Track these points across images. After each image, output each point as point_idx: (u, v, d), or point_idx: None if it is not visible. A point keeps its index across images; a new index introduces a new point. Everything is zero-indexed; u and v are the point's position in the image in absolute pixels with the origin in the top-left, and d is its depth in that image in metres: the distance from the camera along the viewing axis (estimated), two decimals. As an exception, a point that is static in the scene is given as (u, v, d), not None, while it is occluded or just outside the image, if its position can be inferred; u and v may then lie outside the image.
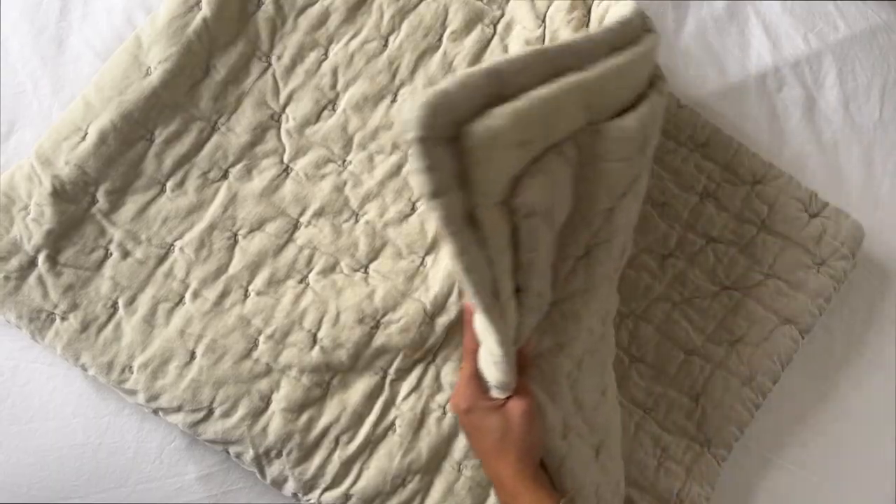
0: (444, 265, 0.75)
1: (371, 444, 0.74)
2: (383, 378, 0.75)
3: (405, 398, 0.75)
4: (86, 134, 0.72)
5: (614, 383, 0.75)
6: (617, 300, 0.74)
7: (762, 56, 0.92)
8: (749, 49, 0.93)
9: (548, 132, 0.54)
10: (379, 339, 0.74)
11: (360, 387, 0.74)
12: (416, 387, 0.75)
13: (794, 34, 0.94)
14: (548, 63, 0.52)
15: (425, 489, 0.74)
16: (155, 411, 0.72)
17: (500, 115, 0.49)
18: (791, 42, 0.93)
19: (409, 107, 0.43)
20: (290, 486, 0.73)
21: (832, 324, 0.91)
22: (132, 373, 0.72)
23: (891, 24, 0.97)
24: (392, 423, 0.75)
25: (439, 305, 0.74)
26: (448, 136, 0.45)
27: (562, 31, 0.75)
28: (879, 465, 0.91)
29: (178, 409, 0.72)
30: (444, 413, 0.75)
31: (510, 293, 0.55)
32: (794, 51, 0.93)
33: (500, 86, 0.49)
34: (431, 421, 0.75)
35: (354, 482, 0.73)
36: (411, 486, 0.74)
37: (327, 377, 0.74)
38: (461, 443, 0.75)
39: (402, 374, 0.75)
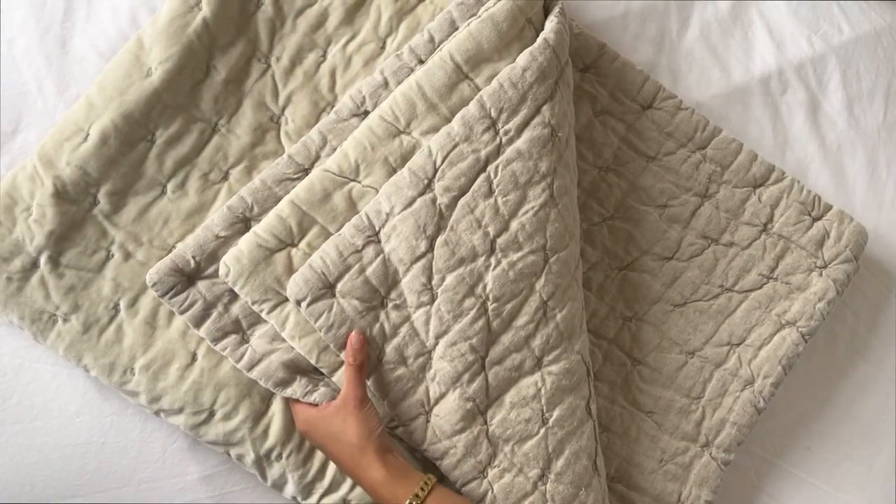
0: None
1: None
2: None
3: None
4: (87, 135, 0.72)
5: (580, 401, 0.73)
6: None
7: (766, 58, 0.92)
8: (753, 51, 0.92)
9: (324, 218, 0.69)
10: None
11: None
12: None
13: (799, 36, 0.93)
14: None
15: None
16: (157, 413, 0.72)
17: (244, 237, 0.68)
18: (795, 44, 0.93)
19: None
20: (289, 489, 0.73)
21: (836, 327, 0.90)
22: (134, 374, 0.72)
23: (895, 27, 0.96)
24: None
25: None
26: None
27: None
28: (883, 469, 0.90)
29: (180, 410, 0.72)
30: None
31: None
32: (798, 53, 0.93)
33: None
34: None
35: (353, 488, 0.73)
36: (408, 492, 0.74)
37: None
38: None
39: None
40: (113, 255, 0.73)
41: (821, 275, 0.83)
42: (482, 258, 0.69)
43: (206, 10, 0.74)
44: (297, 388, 0.69)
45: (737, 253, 0.84)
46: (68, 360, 0.72)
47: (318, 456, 0.74)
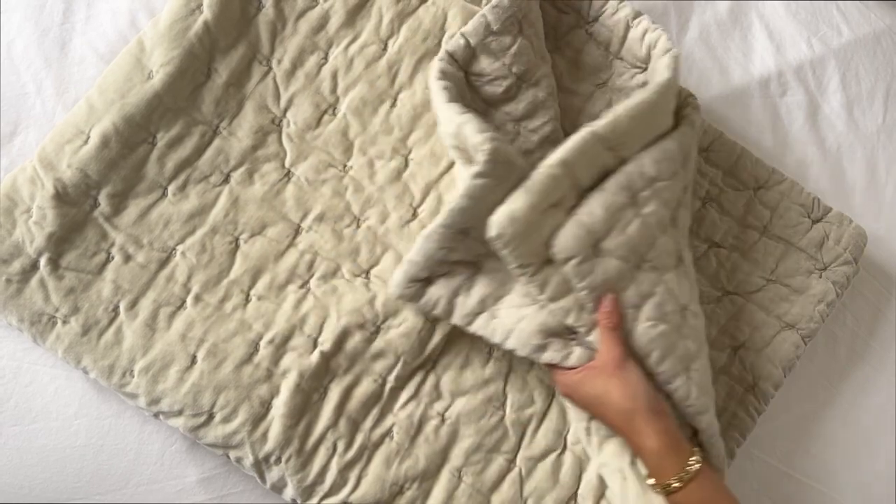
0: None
1: (367, 451, 0.74)
2: (382, 385, 0.75)
3: (403, 406, 0.75)
4: (88, 137, 0.72)
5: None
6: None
7: (765, 60, 0.92)
8: (752, 53, 0.92)
9: (574, 183, 0.67)
10: (378, 345, 0.74)
11: (358, 393, 0.74)
12: (415, 395, 0.75)
13: (798, 38, 0.93)
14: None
15: (423, 496, 0.74)
16: (156, 415, 0.72)
17: (516, 198, 0.65)
18: (794, 46, 0.93)
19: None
20: (289, 492, 0.73)
21: (836, 330, 0.91)
22: (133, 376, 0.72)
23: (894, 29, 0.97)
24: (389, 430, 0.75)
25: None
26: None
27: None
28: (883, 472, 0.90)
29: (179, 413, 0.72)
30: (443, 421, 0.75)
31: None
32: (797, 55, 0.93)
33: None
34: (429, 429, 0.75)
35: (353, 490, 0.73)
36: (409, 494, 0.74)
37: (326, 382, 0.74)
38: (460, 449, 0.75)
39: (402, 381, 0.75)
40: (113, 258, 0.73)
41: (820, 277, 0.83)
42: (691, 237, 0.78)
43: (207, 13, 0.74)
44: (553, 354, 0.70)
45: (737, 255, 0.84)
46: (67, 361, 0.72)
47: (318, 459, 0.73)
